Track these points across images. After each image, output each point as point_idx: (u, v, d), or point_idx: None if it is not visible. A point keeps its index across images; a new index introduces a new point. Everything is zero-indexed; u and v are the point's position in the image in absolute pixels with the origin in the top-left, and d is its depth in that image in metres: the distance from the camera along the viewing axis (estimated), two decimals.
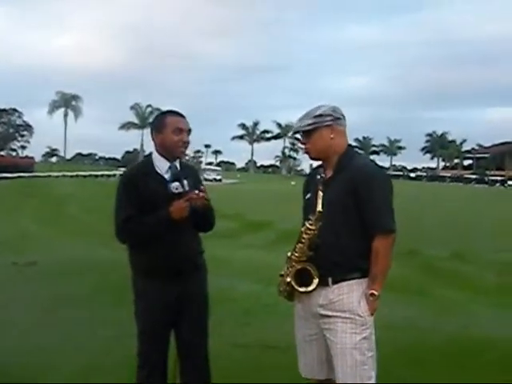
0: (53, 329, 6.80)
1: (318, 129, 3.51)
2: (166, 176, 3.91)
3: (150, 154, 4.05)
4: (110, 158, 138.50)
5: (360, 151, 3.86)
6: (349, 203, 3.42)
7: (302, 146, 3.64)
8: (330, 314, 3.44)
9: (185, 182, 3.82)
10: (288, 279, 3.52)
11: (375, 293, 3.40)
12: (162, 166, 3.94)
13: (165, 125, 3.94)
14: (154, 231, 3.86)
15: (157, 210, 3.75)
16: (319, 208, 3.39)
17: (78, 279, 9.74)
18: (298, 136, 3.70)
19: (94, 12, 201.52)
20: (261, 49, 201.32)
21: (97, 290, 8.86)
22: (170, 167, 3.94)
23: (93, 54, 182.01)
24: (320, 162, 3.68)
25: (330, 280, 3.43)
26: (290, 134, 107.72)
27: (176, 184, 3.80)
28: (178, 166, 3.97)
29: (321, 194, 3.42)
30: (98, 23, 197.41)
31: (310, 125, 3.52)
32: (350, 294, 3.42)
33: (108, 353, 5.90)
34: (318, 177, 3.55)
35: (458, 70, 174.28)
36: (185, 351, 4.01)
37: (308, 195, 3.63)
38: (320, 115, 3.51)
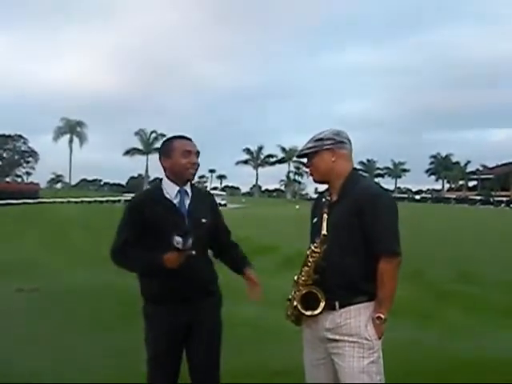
0: (57, 356, 6.75)
1: (318, 152, 3.58)
2: (175, 201, 3.93)
3: (160, 180, 4.07)
4: (114, 184, 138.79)
5: (365, 174, 3.89)
6: (353, 225, 3.42)
7: (307, 170, 3.68)
8: (337, 338, 3.42)
9: (190, 240, 3.67)
10: (295, 303, 3.51)
11: (382, 316, 3.38)
12: (171, 190, 3.96)
13: (173, 149, 3.97)
14: (145, 270, 3.94)
15: (165, 234, 3.68)
16: (324, 231, 3.39)
17: (82, 305, 9.71)
18: (303, 160, 3.72)
19: (96, 37, 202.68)
20: (265, 73, 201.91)
21: (99, 316, 8.82)
22: (179, 191, 3.96)
23: (97, 80, 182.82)
24: (326, 186, 3.69)
25: (337, 304, 3.42)
26: (294, 158, 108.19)
27: (178, 239, 3.65)
28: (188, 190, 4.00)
29: (325, 216, 3.43)
30: (100, 48, 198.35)
31: (310, 148, 3.60)
32: (358, 318, 3.40)
33: (111, 380, 5.85)
34: (323, 200, 3.58)
35: (460, 92, 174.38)
36: (196, 376, 3.97)
37: (315, 219, 3.64)
38: (321, 139, 3.58)
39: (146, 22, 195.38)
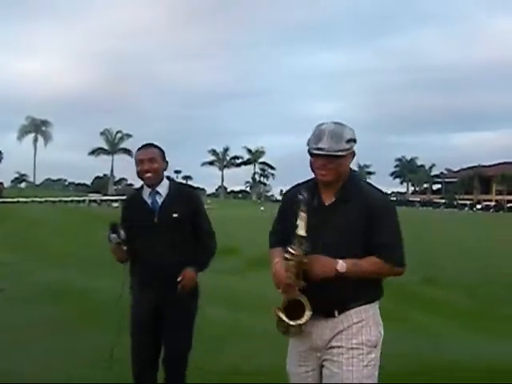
0: (21, 355, 6.72)
1: (347, 155, 3.28)
2: (149, 201, 4.45)
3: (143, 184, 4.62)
4: (79, 184, 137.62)
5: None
6: (359, 229, 3.26)
7: (323, 166, 3.26)
8: (337, 344, 3.26)
9: (121, 232, 4.30)
10: (279, 313, 3.28)
11: (343, 265, 3.18)
12: (146, 192, 4.50)
13: (134, 160, 4.52)
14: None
15: (133, 229, 4.38)
16: (302, 232, 3.15)
17: (46, 306, 9.65)
18: (321, 157, 3.26)
19: (63, 35, 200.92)
20: (232, 74, 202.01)
21: (67, 316, 8.79)
22: (150, 192, 4.45)
23: (62, 79, 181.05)
24: (294, 184, 3.54)
25: (336, 312, 3.27)
26: (260, 160, 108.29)
27: (113, 236, 4.29)
28: (161, 190, 4.45)
29: (304, 216, 3.17)
30: (69, 47, 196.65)
31: (345, 150, 3.24)
32: (358, 324, 3.26)
33: (83, 379, 5.85)
34: (301, 198, 3.23)
35: (426, 95, 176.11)
36: (164, 364, 4.43)
37: (298, 220, 3.27)
38: (352, 140, 3.27)
39: (115, 19, 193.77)
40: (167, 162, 4.52)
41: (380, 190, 3.46)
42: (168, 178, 4.57)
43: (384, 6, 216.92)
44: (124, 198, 5.34)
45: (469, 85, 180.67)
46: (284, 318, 3.26)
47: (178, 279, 4.27)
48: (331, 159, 3.22)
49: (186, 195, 4.54)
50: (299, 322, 3.23)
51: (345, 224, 3.26)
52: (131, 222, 4.43)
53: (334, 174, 3.27)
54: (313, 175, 3.41)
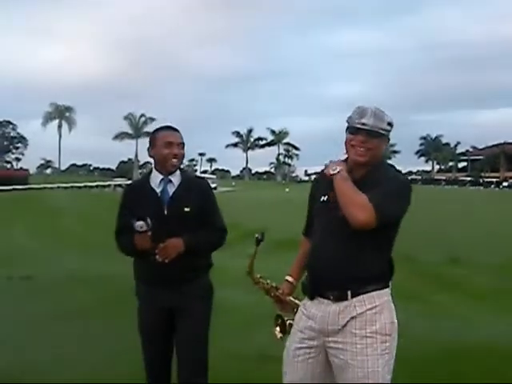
0: (48, 344, 6.77)
1: (384, 136, 3.29)
2: (158, 190, 4.03)
3: (151, 170, 4.19)
4: (104, 169, 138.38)
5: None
6: None
7: (361, 144, 3.23)
8: (351, 331, 3.18)
9: (149, 220, 3.80)
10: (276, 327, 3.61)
11: (341, 167, 3.21)
12: (156, 179, 4.08)
13: (157, 140, 4.06)
14: (129, 253, 4.08)
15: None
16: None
17: (73, 293, 9.73)
18: (361, 134, 3.24)
19: (85, 22, 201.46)
20: (253, 56, 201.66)
21: (92, 304, 8.85)
22: (162, 180, 4.05)
23: (86, 66, 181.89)
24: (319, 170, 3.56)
25: (349, 293, 3.19)
26: (284, 141, 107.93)
27: (140, 223, 3.79)
28: (174, 179, 4.06)
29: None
30: (89, 34, 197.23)
31: (386, 130, 3.27)
32: (372, 311, 3.18)
33: (105, 368, 5.89)
34: (258, 237, 3.57)
35: (449, 73, 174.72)
36: (180, 372, 4.03)
37: (323, 197, 3.36)
38: (391, 124, 3.30)
39: (134, 7, 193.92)
40: None
41: (402, 174, 3.44)
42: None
43: None
44: (128, 182, 4.88)
45: (492, 62, 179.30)
46: (277, 332, 3.60)
47: (160, 246, 3.86)
48: (372, 138, 3.23)
49: (197, 187, 4.15)
50: (279, 335, 3.59)
51: None
52: (135, 211, 3.91)
53: (371, 155, 3.25)
54: (345, 156, 3.37)
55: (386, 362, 3.17)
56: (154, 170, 4.14)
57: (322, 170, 3.46)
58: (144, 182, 4.15)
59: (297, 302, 3.57)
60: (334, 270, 3.21)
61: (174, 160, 4.03)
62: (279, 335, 3.59)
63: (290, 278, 3.65)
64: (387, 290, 3.29)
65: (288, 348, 3.42)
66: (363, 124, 3.21)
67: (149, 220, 3.79)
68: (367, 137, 3.22)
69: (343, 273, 3.19)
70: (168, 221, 3.95)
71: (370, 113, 3.22)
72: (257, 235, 3.62)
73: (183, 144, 4.10)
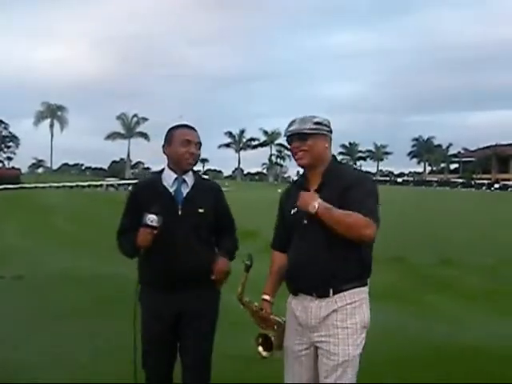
0: (41, 344, 6.76)
1: (317, 135, 3.53)
2: (172, 189, 3.99)
3: (163, 169, 4.12)
4: (96, 168, 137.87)
5: (346, 157, 3.90)
6: (341, 207, 3.34)
7: (297, 149, 3.54)
8: (333, 323, 3.40)
9: (161, 218, 3.78)
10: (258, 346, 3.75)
11: (315, 206, 3.33)
12: (169, 179, 4.02)
13: (173, 137, 4.03)
14: (129, 252, 4.00)
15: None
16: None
17: (65, 293, 9.72)
18: (294, 140, 3.58)
19: (79, 22, 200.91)
20: (247, 56, 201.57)
21: (85, 304, 8.84)
22: (176, 179, 4.01)
23: (79, 65, 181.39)
24: (299, 174, 3.73)
25: (330, 291, 3.41)
26: (276, 142, 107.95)
27: (153, 216, 3.77)
28: (188, 179, 4.03)
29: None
30: (82, 33, 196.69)
31: (312, 129, 3.52)
32: (352, 305, 3.41)
33: (97, 367, 5.90)
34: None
35: (442, 75, 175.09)
36: (184, 374, 4.03)
37: (293, 210, 3.58)
38: (320, 123, 3.55)
39: (128, 6, 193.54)
40: None
41: (359, 171, 3.79)
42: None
43: None
44: (135, 181, 4.71)
45: (485, 63, 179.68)
46: (260, 350, 3.75)
47: (213, 274, 3.88)
48: (303, 140, 3.52)
49: (210, 190, 4.13)
50: (264, 353, 3.73)
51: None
52: (147, 209, 3.80)
53: (309, 156, 3.54)
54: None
55: (361, 352, 3.43)
56: (166, 168, 4.08)
57: (293, 183, 3.88)
58: (156, 180, 4.07)
59: (277, 319, 3.74)
60: (315, 273, 3.44)
61: (191, 160, 4.01)
62: (264, 353, 3.71)
63: (267, 297, 3.81)
64: (365, 288, 3.52)
65: (287, 348, 3.64)
66: (290, 131, 3.57)
67: (161, 218, 3.77)
68: (299, 141, 3.54)
69: (324, 274, 3.42)
70: (182, 221, 3.92)
71: (296, 120, 3.58)
72: (246, 261, 3.69)
73: (200, 144, 4.09)
